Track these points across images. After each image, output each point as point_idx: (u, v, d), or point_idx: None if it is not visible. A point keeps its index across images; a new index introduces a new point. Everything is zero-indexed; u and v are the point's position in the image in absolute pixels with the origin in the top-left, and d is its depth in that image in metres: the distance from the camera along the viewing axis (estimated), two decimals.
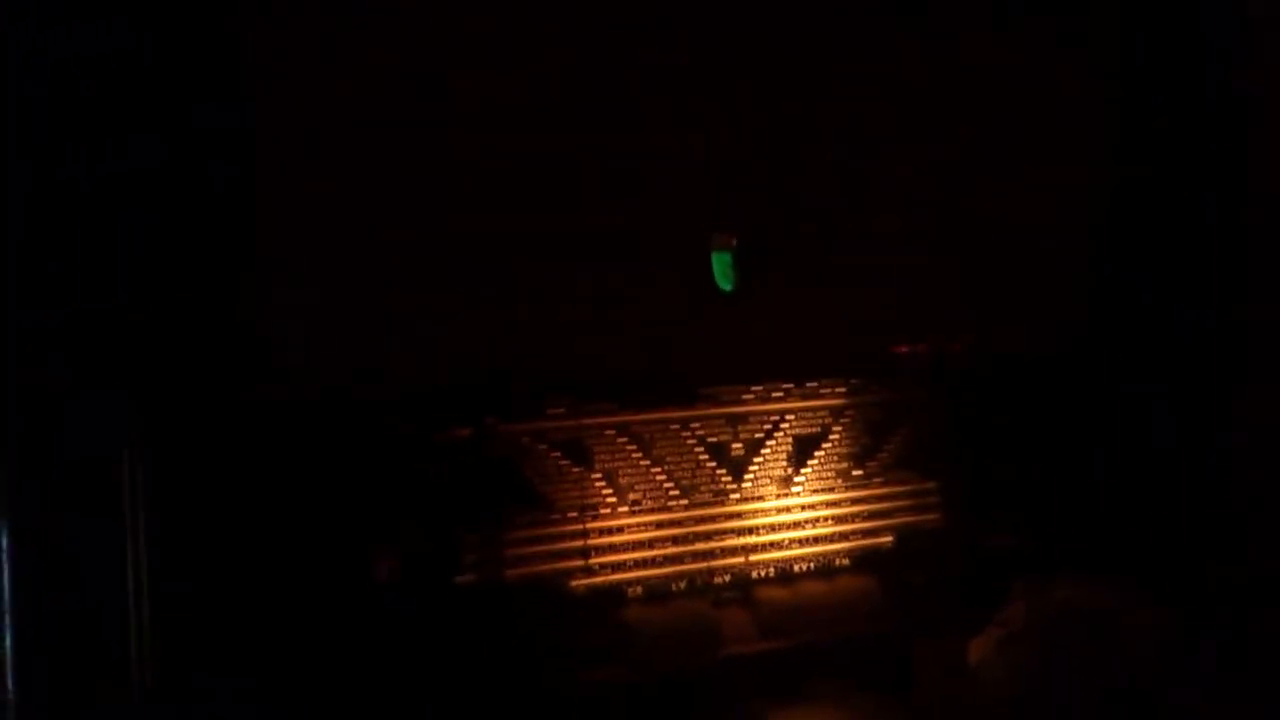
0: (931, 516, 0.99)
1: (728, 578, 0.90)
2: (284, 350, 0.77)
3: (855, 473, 0.97)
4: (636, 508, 0.88)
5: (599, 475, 0.87)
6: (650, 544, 0.88)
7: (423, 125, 0.80)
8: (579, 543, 0.85)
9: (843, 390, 0.97)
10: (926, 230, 0.97)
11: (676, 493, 0.90)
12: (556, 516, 0.85)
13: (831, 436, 0.97)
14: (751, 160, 0.91)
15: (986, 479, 1.04)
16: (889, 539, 0.97)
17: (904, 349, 1.00)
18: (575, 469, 0.86)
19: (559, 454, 0.86)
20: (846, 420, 0.97)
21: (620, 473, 0.88)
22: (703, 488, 0.91)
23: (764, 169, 0.92)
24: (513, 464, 0.83)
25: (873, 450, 0.98)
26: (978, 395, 1.00)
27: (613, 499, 0.88)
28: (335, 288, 0.76)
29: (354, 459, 0.78)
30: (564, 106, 0.85)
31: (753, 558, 0.92)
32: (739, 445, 0.93)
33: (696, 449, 0.91)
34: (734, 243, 0.94)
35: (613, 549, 0.87)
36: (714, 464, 0.92)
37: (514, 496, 0.83)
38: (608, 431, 0.87)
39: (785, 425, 0.94)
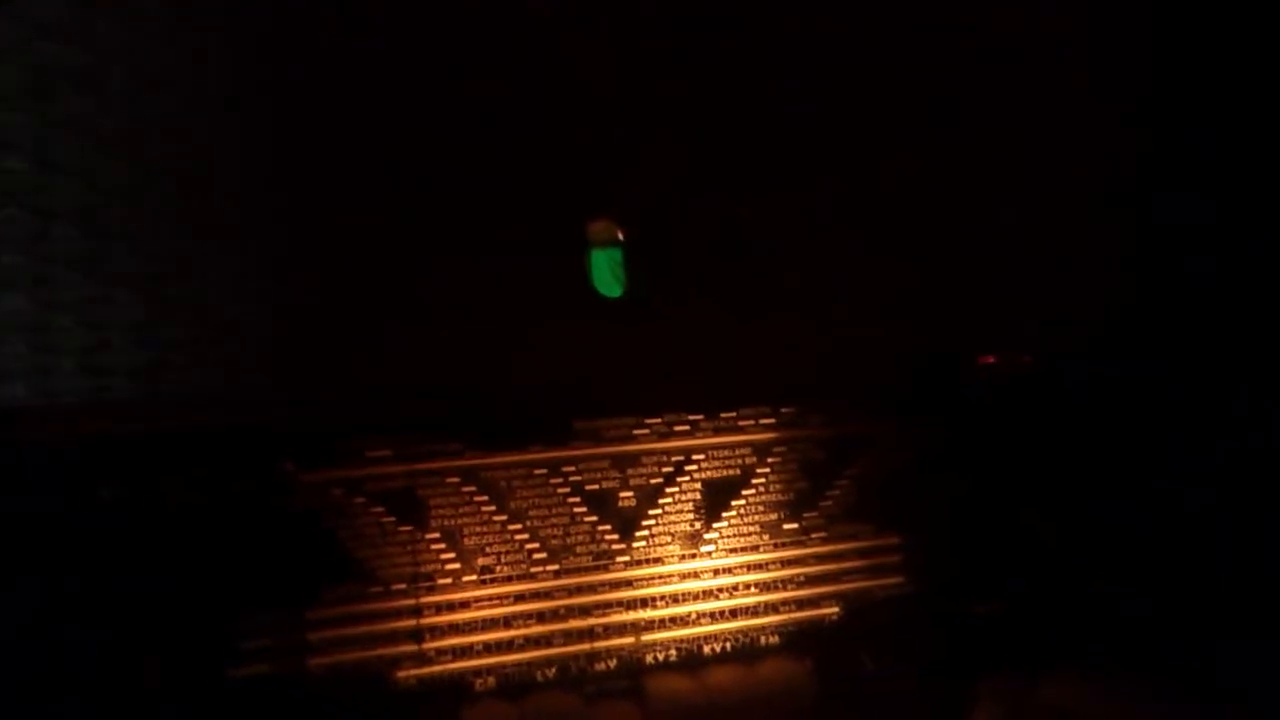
0: (892, 580, 0.82)
1: (612, 663, 0.75)
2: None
3: (788, 526, 0.81)
4: (488, 576, 0.74)
5: (436, 535, 0.73)
6: (506, 622, 0.74)
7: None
8: (410, 622, 0.72)
9: (770, 422, 0.81)
10: (896, 213, 0.79)
11: (543, 556, 0.75)
12: (378, 589, 0.71)
13: (755, 481, 0.81)
14: (646, 123, 0.74)
15: (971, 528, 0.95)
16: (833, 610, 0.81)
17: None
18: (404, 528, 0.72)
19: (382, 509, 0.71)
20: (776, 460, 0.81)
21: (466, 532, 0.74)
22: (579, 549, 0.76)
23: (664, 134, 0.74)
24: (319, 523, 0.70)
25: (812, 498, 0.82)
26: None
27: (455, 566, 0.73)
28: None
29: (103, 524, 0.68)
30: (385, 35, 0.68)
31: (647, 637, 0.76)
32: (629, 494, 0.78)
33: (570, 500, 0.76)
34: (620, 235, 0.83)
35: (455, 629, 0.73)
36: (594, 519, 0.77)
37: (321, 565, 0.70)
38: (449, 479, 0.73)
39: (692, 468, 0.79)
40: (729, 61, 0.78)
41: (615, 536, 0.77)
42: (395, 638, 0.72)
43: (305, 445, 0.70)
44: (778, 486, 0.81)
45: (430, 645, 0.73)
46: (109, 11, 0.67)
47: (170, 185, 0.68)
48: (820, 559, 0.82)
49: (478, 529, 0.74)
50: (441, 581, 0.73)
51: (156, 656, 0.66)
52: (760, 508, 0.81)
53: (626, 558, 0.78)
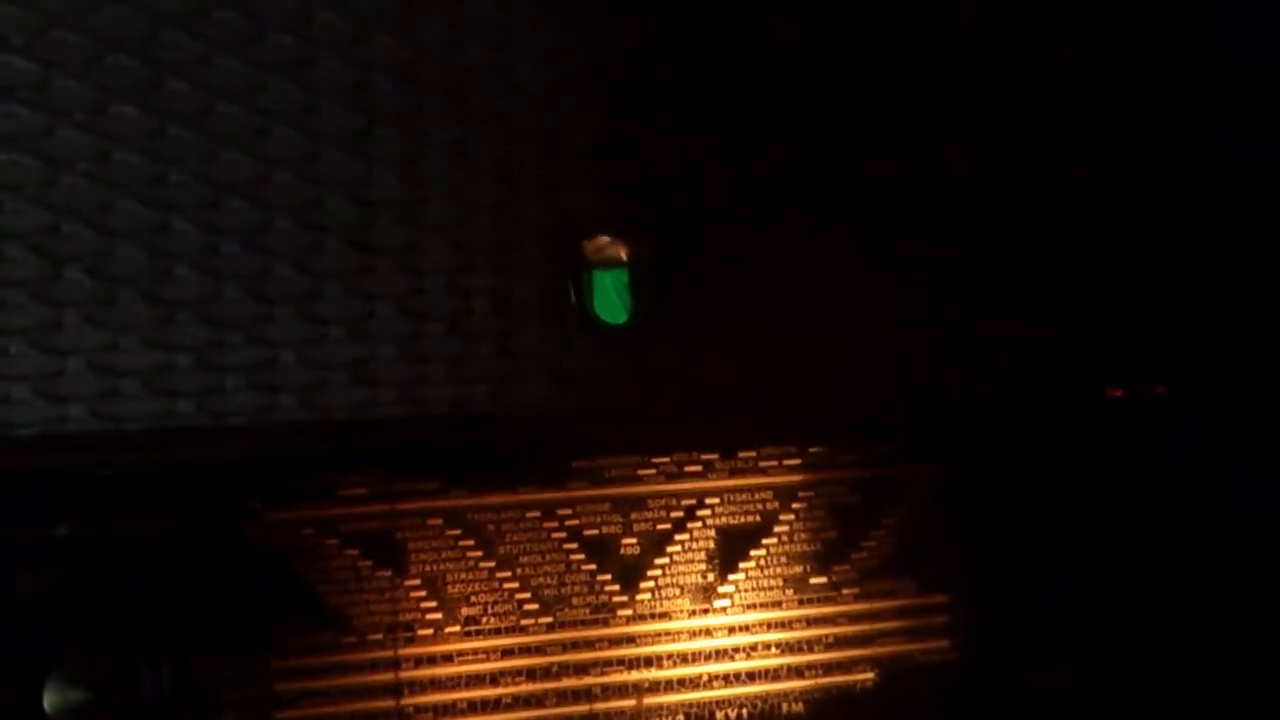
0: (936, 644, 0.75)
1: None
2: None
3: (815, 581, 0.74)
4: (474, 628, 0.69)
5: (417, 582, 0.68)
6: (493, 679, 0.69)
7: None
8: (387, 676, 0.67)
9: (796, 462, 0.74)
10: (948, 218, 0.70)
11: (535, 607, 0.70)
12: (352, 640, 0.67)
13: (777, 529, 0.74)
14: (651, 124, 0.66)
15: (1031, 586, 0.86)
16: (867, 676, 0.74)
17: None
18: (381, 573, 0.68)
19: (357, 551, 0.67)
20: (802, 505, 0.74)
21: (450, 579, 0.69)
22: (576, 601, 0.71)
23: (672, 137, 0.67)
24: (287, 566, 0.66)
25: (844, 549, 0.75)
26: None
27: (437, 615, 0.69)
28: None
29: (57, 563, 0.65)
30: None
31: (651, 700, 0.71)
32: (632, 541, 0.72)
33: (567, 546, 0.71)
34: (624, 254, 0.78)
35: (437, 685, 0.68)
36: (593, 567, 0.72)
37: (290, 610, 0.66)
38: (431, 520, 0.68)
39: (705, 513, 0.73)
40: (757, 53, 0.73)
41: (617, 587, 0.72)
42: (371, 692, 0.68)
43: (273, 480, 0.66)
44: (804, 536, 0.75)
45: (409, 701, 0.68)
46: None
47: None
48: (853, 618, 0.75)
49: (462, 576, 0.70)
50: (422, 632, 0.69)
51: (114, 704, 0.65)
52: (783, 559, 0.75)
53: (629, 611, 0.72)
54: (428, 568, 0.69)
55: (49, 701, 0.62)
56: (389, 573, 0.68)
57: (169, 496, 0.65)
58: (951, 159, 0.73)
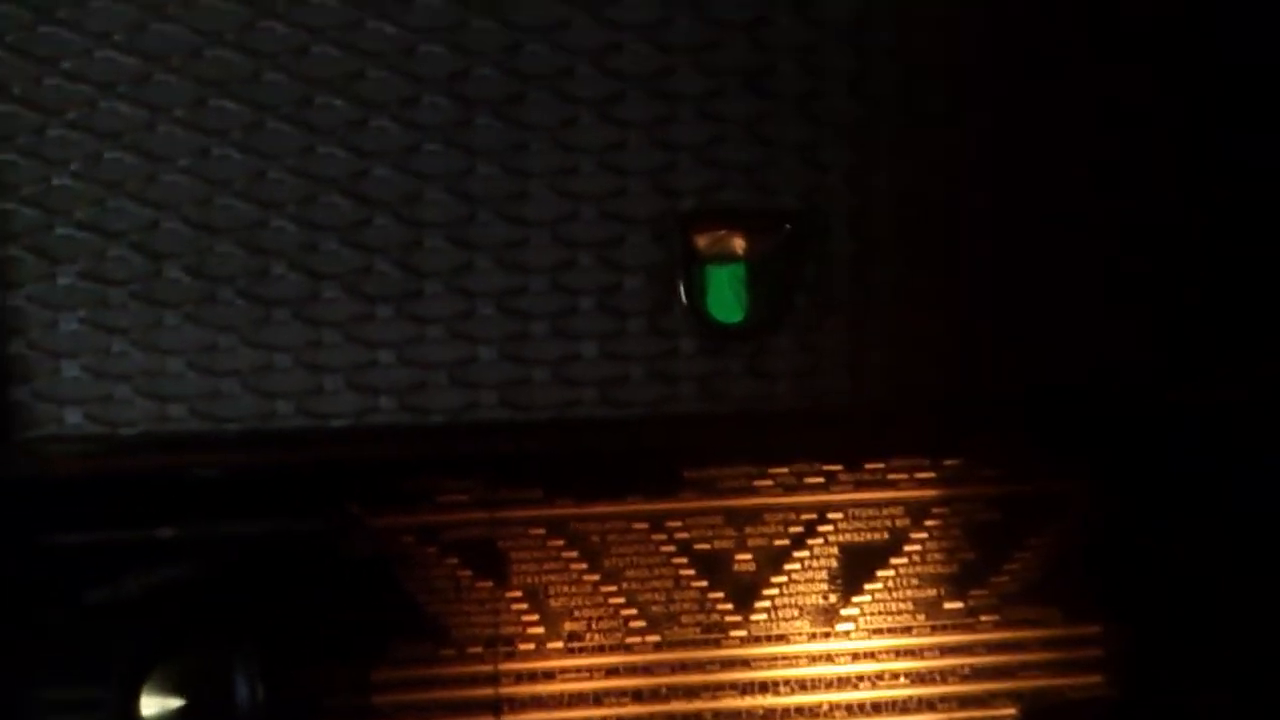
0: (1087, 679, 0.69)
1: None
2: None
3: (950, 606, 0.69)
4: (577, 644, 0.67)
5: (518, 594, 0.67)
6: (597, 698, 0.67)
7: None
8: (486, 691, 0.66)
9: (929, 475, 0.69)
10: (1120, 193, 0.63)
11: (642, 624, 0.67)
12: (451, 652, 0.65)
13: (908, 548, 0.69)
14: (763, 105, 0.61)
15: (1197, 617, 0.78)
16: (1009, 712, 0.69)
17: None
18: (482, 583, 0.66)
19: (457, 560, 0.66)
20: (936, 523, 0.69)
21: (552, 591, 0.67)
22: (685, 619, 0.68)
23: (788, 113, 0.62)
24: (386, 573, 0.65)
25: (983, 572, 0.69)
26: None
27: (539, 629, 0.67)
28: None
29: (158, 566, 0.66)
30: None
31: None
32: (747, 557, 0.69)
33: (676, 560, 0.68)
34: (740, 248, 0.74)
35: (538, 703, 0.66)
36: (705, 583, 0.68)
37: (387, 621, 0.65)
38: (534, 530, 0.66)
39: (827, 529, 0.69)
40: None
41: (729, 606, 0.68)
42: (469, 708, 0.66)
43: (373, 485, 0.65)
44: (938, 556, 0.70)
45: (509, 718, 0.67)
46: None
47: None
48: (992, 648, 0.69)
49: (565, 589, 0.67)
50: (523, 647, 0.67)
51: (210, 711, 0.66)
52: (914, 581, 0.70)
53: (743, 632, 0.69)
54: (529, 579, 0.67)
55: (146, 706, 0.63)
56: (489, 583, 0.67)
57: (268, 499, 0.65)
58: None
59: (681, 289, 0.64)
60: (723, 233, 0.70)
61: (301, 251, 0.61)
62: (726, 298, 0.69)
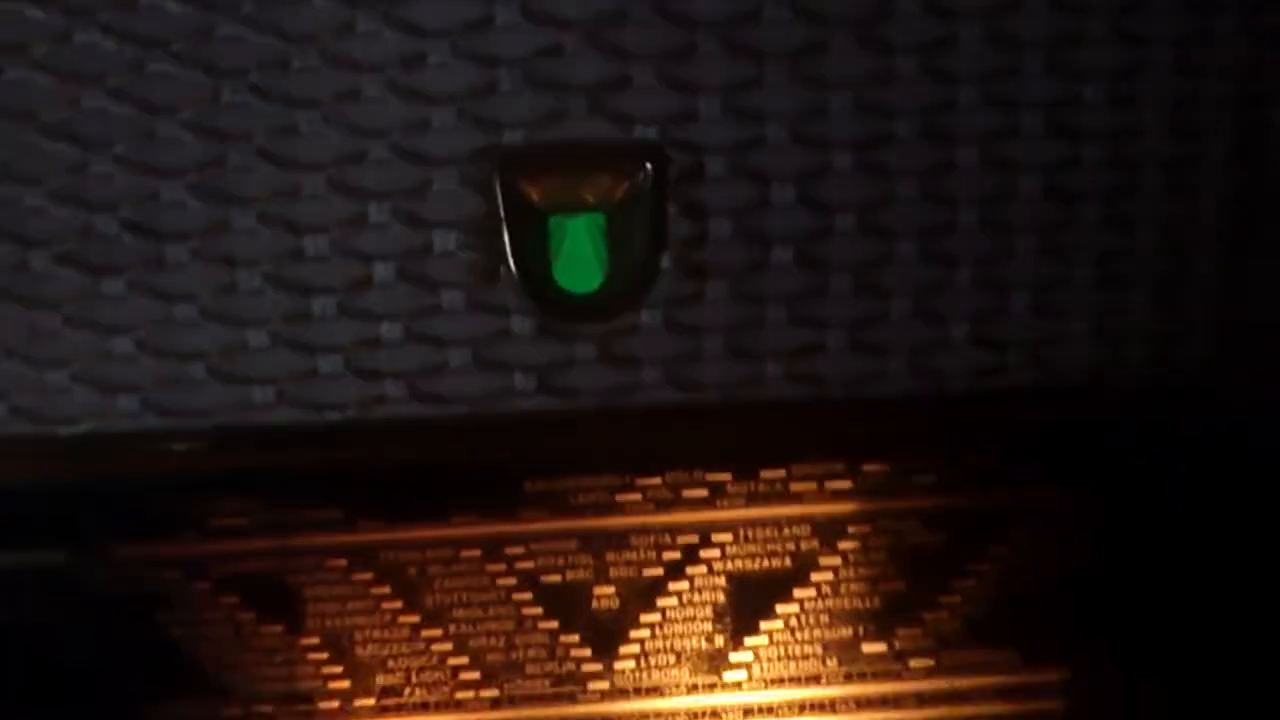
0: None
1: None
2: None
3: (870, 649, 0.57)
4: (393, 701, 0.56)
5: (316, 641, 0.55)
6: None
7: None
8: None
9: (844, 485, 0.56)
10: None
11: (475, 676, 0.56)
12: (235, 711, 0.55)
13: (816, 577, 0.57)
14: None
15: (1185, 659, 0.67)
16: None
17: None
18: (270, 628, 0.55)
19: (237, 599, 0.55)
20: (852, 545, 0.57)
21: (359, 637, 0.56)
22: (531, 669, 0.56)
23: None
24: (145, 616, 0.54)
25: (912, 606, 0.58)
26: None
27: (343, 684, 0.56)
28: None
29: None
30: None
31: None
32: (609, 591, 0.57)
33: (518, 595, 0.56)
34: (592, 193, 0.58)
35: None
36: (555, 625, 0.56)
37: (148, 676, 0.54)
38: (333, 561, 0.55)
39: (712, 554, 0.57)
40: None
41: (587, 653, 0.57)
42: None
43: (122, 505, 0.54)
44: (855, 587, 0.58)
45: None
46: None
47: None
48: (925, 700, 0.58)
49: (376, 634, 0.56)
50: (324, 706, 0.56)
51: None
52: (825, 618, 0.58)
53: (604, 684, 0.57)
54: (330, 622, 0.55)
55: None
56: (279, 628, 0.55)
57: None
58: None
59: (509, 249, 0.55)
60: (573, 177, 0.59)
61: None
62: (578, 260, 0.58)
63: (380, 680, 0.57)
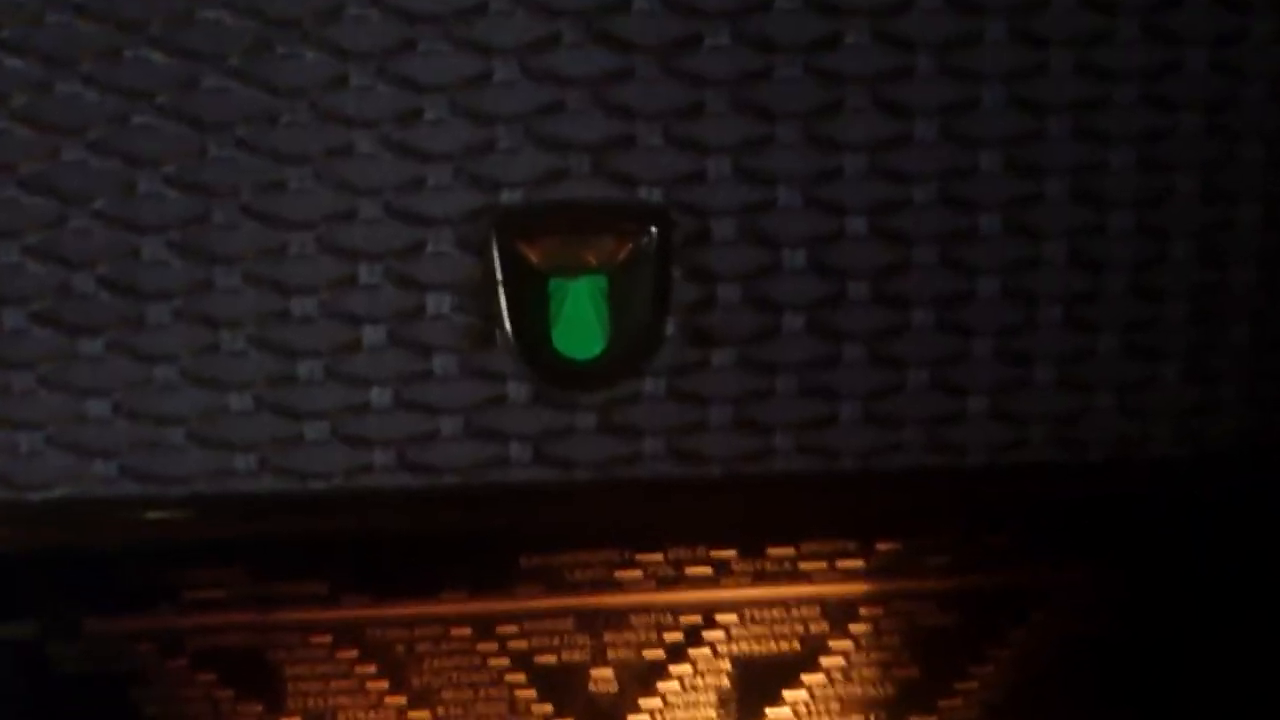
0: None
1: None
2: None
3: None
4: None
5: None
6: None
7: None
8: None
9: (856, 565, 0.54)
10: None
11: None
12: None
13: (827, 662, 0.55)
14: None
15: None
16: None
17: None
18: (249, 706, 0.52)
19: (215, 677, 0.52)
20: (865, 628, 0.54)
21: (344, 717, 0.53)
22: None
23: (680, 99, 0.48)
24: (121, 691, 0.51)
25: (929, 693, 0.55)
26: None
27: None
28: None
29: None
30: None
31: None
32: (607, 674, 0.54)
33: (511, 677, 0.53)
34: (593, 254, 0.55)
35: None
36: (549, 709, 0.54)
37: None
38: (316, 637, 0.52)
39: (716, 635, 0.54)
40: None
41: None
42: None
43: (95, 575, 0.51)
44: (867, 672, 0.55)
45: None
46: None
47: None
48: None
49: (361, 715, 0.53)
50: None
51: None
52: (835, 705, 0.55)
53: None
54: (312, 702, 0.53)
55: None
56: (259, 707, 0.53)
57: None
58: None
59: (505, 313, 0.53)
60: (573, 238, 0.57)
61: None
62: (579, 324, 0.57)
63: None
